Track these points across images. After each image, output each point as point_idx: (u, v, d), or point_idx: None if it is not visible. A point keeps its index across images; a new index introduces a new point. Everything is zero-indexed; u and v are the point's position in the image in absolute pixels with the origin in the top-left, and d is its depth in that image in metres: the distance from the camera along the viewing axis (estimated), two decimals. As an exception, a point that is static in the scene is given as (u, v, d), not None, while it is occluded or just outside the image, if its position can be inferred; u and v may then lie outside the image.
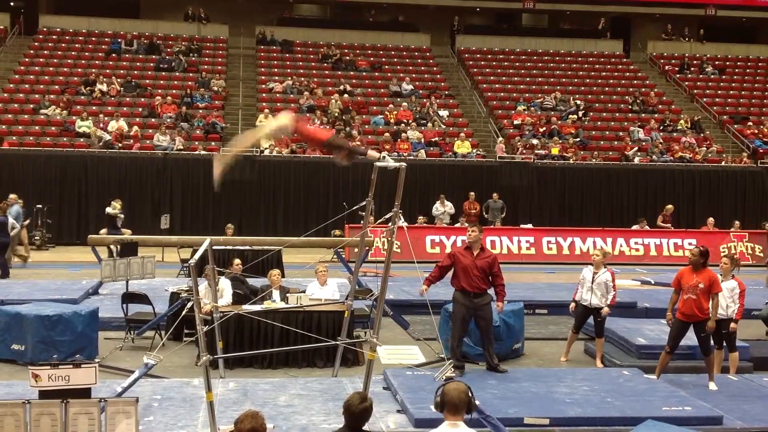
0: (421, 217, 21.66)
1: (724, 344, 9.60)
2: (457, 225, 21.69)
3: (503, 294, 9.62)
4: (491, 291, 9.64)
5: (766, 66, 32.68)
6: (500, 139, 25.19)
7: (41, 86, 26.08)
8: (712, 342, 9.26)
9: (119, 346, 10.80)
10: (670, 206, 22.67)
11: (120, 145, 22.89)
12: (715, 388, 8.95)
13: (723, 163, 25.48)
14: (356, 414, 4.80)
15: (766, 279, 16.37)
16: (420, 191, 22.66)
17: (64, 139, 23.41)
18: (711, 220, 22.17)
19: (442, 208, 22.34)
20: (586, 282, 10.41)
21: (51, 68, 27.28)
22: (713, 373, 9.19)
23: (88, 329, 10.12)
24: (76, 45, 29.07)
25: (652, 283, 17.27)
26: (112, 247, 17.21)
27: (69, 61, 27.89)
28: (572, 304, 10.68)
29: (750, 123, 27.85)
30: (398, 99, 27.08)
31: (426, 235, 20.79)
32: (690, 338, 9.32)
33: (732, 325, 9.51)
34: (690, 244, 20.36)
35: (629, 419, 7.48)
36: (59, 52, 28.41)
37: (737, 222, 22.17)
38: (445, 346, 9.77)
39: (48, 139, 23.41)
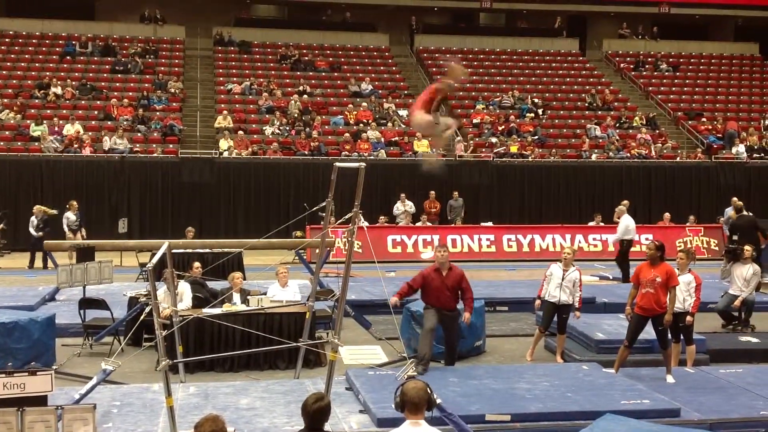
0: (382, 217, 21.68)
1: (681, 337, 9.76)
2: (419, 224, 21.76)
3: (470, 306, 9.76)
4: (460, 305, 9.77)
5: (719, 63, 33.26)
6: (458, 138, 25.29)
7: (-6, 90, 25.64)
8: (669, 336, 9.41)
9: (77, 353, 10.66)
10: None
11: (75, 146, 22.57)
12: (673, 381, 9.10)
13: (678, 159, 25.86)
14: (312, 413, 4.75)
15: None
16: (380, 191, 22.66)
17: (19, 143, 23.01)
18: (667, 215, 22.47)
19: (403, 207, 22.38)
20: (555, 279, 10.50)
21: (4, 72, 26.78)
22: (671, 366, 9.34)
23: (44, 336, 9.99)
24: (30, 48, 28.58)
25: (611, 278, 17.49)
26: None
27: (22, 64, 27.41)
28: (537, 301, 10.77)
29: (704, 119, 28.28)
30: (358, 99, 27.06)
31: (387, 235, 20.84)
32: (648, 332, 9.45)
33: (688, 318, 9.67)
34: (647, 239, 20.63)
35: (589, 413, 7.57)
36: (12, 55, 27.91)
37: (692, 217, 22.50)
38: (407, 345, 9.79)
39: (2, 143, 22.98)
